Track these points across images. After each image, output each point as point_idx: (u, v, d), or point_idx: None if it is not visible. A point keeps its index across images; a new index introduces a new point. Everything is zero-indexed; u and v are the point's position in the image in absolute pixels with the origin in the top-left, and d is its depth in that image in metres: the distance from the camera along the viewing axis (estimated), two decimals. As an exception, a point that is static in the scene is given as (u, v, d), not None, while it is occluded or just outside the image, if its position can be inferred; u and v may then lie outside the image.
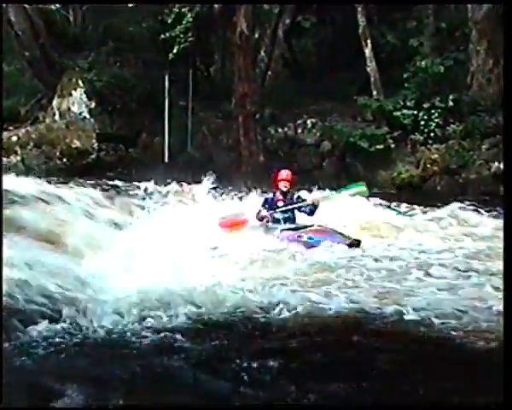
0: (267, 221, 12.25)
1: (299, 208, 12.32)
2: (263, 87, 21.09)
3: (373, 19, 20.81)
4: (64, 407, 5.31)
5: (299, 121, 20.09)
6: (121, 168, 20.36)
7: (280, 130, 20.25)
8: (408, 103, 18.49)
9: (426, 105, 18.23)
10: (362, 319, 7.64)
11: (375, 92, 19.43)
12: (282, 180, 12.45)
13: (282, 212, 12.26)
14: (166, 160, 20.79)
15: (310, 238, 11.49)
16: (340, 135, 18.94)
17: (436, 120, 18.09)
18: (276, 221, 12.28)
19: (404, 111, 18.42)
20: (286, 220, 12.30)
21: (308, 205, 12.20)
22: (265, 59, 21.55)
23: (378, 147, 18.27)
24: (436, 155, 17.97)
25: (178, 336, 6.78)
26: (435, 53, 18.94)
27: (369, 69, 19.60)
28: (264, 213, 12.21)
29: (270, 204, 12.41)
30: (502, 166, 16.79)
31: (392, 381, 6.07)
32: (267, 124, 20.20)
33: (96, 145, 20.66)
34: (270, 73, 22.00)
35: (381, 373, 6.17)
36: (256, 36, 21.19)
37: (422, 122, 18.22)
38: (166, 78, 21.00)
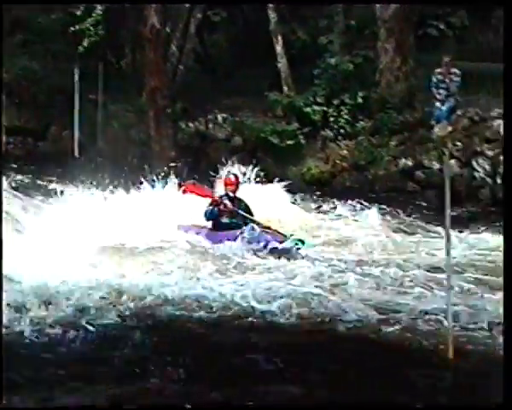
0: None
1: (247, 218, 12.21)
2: (174, 81, 20.81)
3: (284, 15, 20.79)
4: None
5: (210, 116, 19.91)
6: (29, 162, 19.85)
7: (191, 124, 20.03)
8: (318, 100, 18.49)
9: (335, 101, 18.28)
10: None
11: (285, 88, 19.41)
12: (229, 184, 12.52)
13: (230, 217, 12.24)
14: (76, 154, 20.39)
15: (250, 233, 11.61)
16: (251, 130, 18.86)
17: (345, 117, 18.15)
18: (222, 226, 12.23)
19: (314, 107, 18.42)
20: (233, 226, 12.13)
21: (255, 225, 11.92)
22: (177, 53, 21.28)
23: (288, 143, 18.22)
24: (345, 151, 18.02)
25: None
26: (345, 50, 19.02)
27: (279, 65, 19.57)
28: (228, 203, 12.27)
29: (217, 207, 12.28)
30: (410, 162, 16.99)
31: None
32: (178, 118, 19.95)
33: (3, 138, 20.13)
34: (181, 67, 21.72)
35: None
36: (167, 30, 20.89)
37: (332, 118, 18.26)
38: (76, 70, 20.58)
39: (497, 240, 12.22)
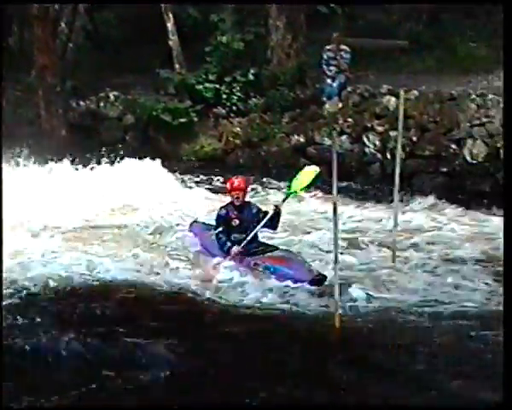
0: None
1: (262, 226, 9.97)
2: (64, 59, 20.16)
3: (175, -8, 20.33)
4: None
5: (101, 94, 19.28)
6: None
7: (82, 103, 19.38)
8: (210, 77, 18.19)
9: (227, 79, 18.00)
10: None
11: (177, 66, 19.04)
12: (233, 190, 10.04)
13: (241, 232, 9.91)
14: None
15: (266, 268, 9.49)
16: (143, 108, 18.40)
17: (237, 94, 17.91)
18: (233, 244, 9.96)
19: (207, 85, 18.11)
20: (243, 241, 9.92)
21: (271, 217, 9.85)
22: (66, 31, 20.63)
23: (181, 120, 17.87)
24: (238, 129, 17.78)
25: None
26: (236, 28, 18.74)
27: (171, 43, 19.16)
28: (234, 249, 9.79)
29: (225, 223, 10.05)
30: (302, 139, 16.86)
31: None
32: (69, 97, 19.31)
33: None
34: (71, 45, 21.08)
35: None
36: (56, 7, 20.12)
37: (224, 96, 17.98)
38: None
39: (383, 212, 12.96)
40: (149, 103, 18.37)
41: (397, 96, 14.82)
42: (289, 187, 10.30)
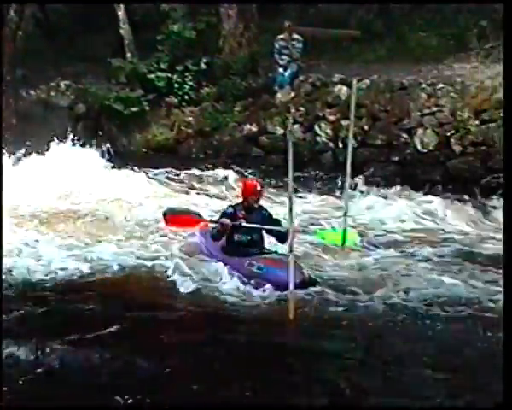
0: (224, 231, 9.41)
1: (269, 230, 9.54)
2: (13, 48, 19.75)
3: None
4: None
5: (52, 83, 18.97)
6: None
7: (32, 92, 19.04)
8: (162, 66, 17.97)
9: (179, 68, 17.82)
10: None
11: (128, 55, 18.80)
12: (253, 194, 9.57)
13: (245, 233, 9.45)
14: None
15: (259, 268, 9.12)
16: (95, 97, 18.12)
17: (189, 83, 17.74)
18: (235, 245, 9.55)
19: (158, 74, 17.90)
20: (249, 244, 9.50)
21: (282, 232, 9.27)
22: (15, 19, 20.16)
23: (133, 110, 17.63)
24: (190, 118, 17.62)
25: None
26: (187, 17, 18.55)
27: (122, 31, 18.92)
28: (226, 221, 9.34)
29: (232, 219, 9.46)
30: (254, 128, 16.78)
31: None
32: (19, 86, 18.95)
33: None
34: (20, 33, 20.66)
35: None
36: (5, -6, 19.73)
37: (176, 85, 17.79)
38: None
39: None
40: (101, 92, 18.10)
41: (348, 85, 14.87)
42: (322, 231, 10.29)
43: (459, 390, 5.57)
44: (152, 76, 17.90)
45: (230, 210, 9.57)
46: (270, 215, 9.69)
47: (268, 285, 8.83)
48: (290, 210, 8.04)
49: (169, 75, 17.87)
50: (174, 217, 9.82)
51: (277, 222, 9.55)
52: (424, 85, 15.44)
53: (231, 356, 7.01)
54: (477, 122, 14.72)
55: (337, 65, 17.08)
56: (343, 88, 16.04)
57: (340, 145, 15.59)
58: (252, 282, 8.97)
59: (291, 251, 8.13)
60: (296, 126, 16.13)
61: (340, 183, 13.87)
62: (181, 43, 18.07)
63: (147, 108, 17.76)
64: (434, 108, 15.10)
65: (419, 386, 5.86)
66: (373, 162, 15.34)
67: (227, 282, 9.08)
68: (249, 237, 9.48)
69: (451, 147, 14.81)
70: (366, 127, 15.59)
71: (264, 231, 9.58)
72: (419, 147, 15.08)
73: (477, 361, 6.42)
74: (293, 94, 16.67)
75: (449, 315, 8.06)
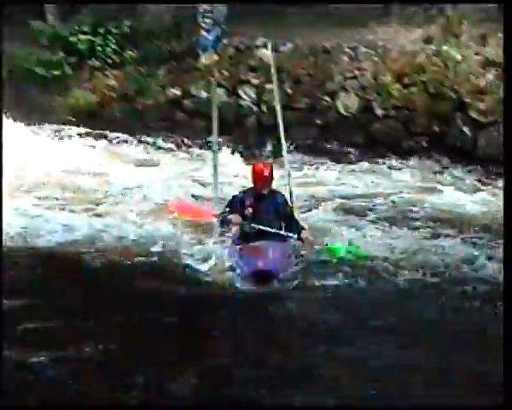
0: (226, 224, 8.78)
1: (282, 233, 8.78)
2: None
3: None
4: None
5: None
6: None
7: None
8: (84, 29, 17.53)
9: (102, 31, 17.41)
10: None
11: (50, 17, 18.26)
12: (257, 180, 8.77)
13: (253, 221, 8.65)
14: None
15: (241, 256, 8.48)
16: (16, 61, 17.60)
17: (112, 46, 17.34)
18: (245, 234, 8.77)
19: (81, 37, 17.41)
20: (259, 234, 8.67)
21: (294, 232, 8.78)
22: None
23: (55, 73, 17.16)
24: (113, 82, 17.23)
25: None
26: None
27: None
28: (235, 218, 8.66)
29: (238, 208, 8.79)
30: (178, 92, 16.54)
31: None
32: None
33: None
34: None
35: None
36: None
37: (99, 48, 17.38)
38: None
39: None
40: (22, 55, 17.58)
41: (273, 49, 14.74)
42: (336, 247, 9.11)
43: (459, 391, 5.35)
44: (74, 39, 17.43)
45: (240, 196, 8.90)
46: (283, 202, 8.94)
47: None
48: (215, 173, 7.93)
49: (91, 38, 17.44)
50: (183, 206, 9.59)
51: (291, 213, 8.98)
52: (347, 49, 15.41)
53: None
54: (399, 86, 14.80)
55: (261, 29, 16.89)
56: (266, 52, 15.90)
57: (265, 109, 15.49)
58: (238, 271, 8.36)
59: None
60: (220, 90, 15.95)
61: (268, 148, 13.89)
62: (103, 6, 17.64)
63: (69, 71, 17.31)
64: (357, 72, 15.12)
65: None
66: (296, 126, 15.30)
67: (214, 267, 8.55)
68: (258, 228, 8.68)
69: (373, 110, 14.87)
70: (289, 91, 15.51)
71: (279, 216, 8.84)
72: (342, 110, 15.09)
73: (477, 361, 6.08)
74: (216, 57, 16.43)
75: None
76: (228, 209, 8.84)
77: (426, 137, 14.51)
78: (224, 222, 8.81)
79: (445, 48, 14.60)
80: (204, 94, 16.05)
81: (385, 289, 7.92)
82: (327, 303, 7.75)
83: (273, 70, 10.18)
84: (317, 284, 8.15)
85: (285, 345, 6.77)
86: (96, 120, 16.80)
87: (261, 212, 8.68)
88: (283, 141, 10.37)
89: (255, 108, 15.85)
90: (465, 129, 14.13)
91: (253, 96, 15.89)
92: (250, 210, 8.64)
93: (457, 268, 8.64)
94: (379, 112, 14.82)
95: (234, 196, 8.97)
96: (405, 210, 11.38)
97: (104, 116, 17.04)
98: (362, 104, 14.98)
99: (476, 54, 14.45)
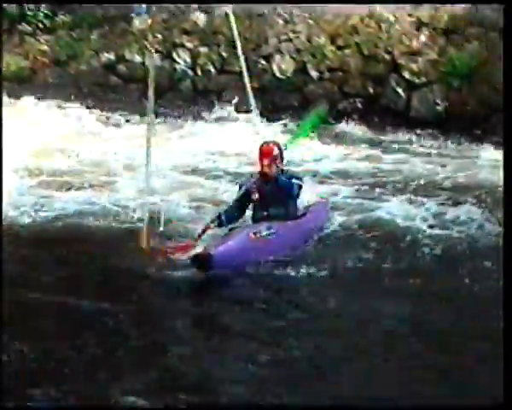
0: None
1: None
2: None
3: None
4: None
5: None
6: None
7: None
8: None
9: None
10: None
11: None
12: (260, 160, 7.97)
13: (260, 209, 7.96)
14: None
15: (268, 228, 7.70)
16: None
17: (44, 11, 16.90)
18: (254, 220, 8.06)
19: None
20: (267, 220, 7.93)
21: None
22: None
23: (-16, 38, 16.70)
24: (45, 47, 16.83)
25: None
26: None
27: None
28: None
29: (245, 195, 7.99)
30: (112, 56, 16.22)
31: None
32: None
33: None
34: None
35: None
36: None
37: (30, 12, 16.92)
38: None
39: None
40: None
41: (205, 12, 14.57)
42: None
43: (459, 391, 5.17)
44: (4, 4, 16.93)
45: (245, 180, 8.15)
46: (291, 183, 7.95)
47: None
48: (148, 141, 7.73)
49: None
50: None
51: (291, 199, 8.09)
52: (281, 12, 15.27)
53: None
54: (333, 48, 14.74)
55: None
56: (200, 15, 15.69)
57: (199, 73, 15.31)
58: None
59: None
60: (154, 54, 15.70)
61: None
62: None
63: (-2, 36, 16.83)
64: (291, 35, 15.00)
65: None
66: (232, 89, 15.17)
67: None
68: (264, 213, 7.95)
69: (308, 72, 14.81)
70: (224, 54, 15.34)
71: (292, 201, 8.12)
72: (277, 73, 14.99)
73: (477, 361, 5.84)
74: (150, 21, 16.13)
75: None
76: (234, 198, 8.02)
77: (360, 99, 14.49)
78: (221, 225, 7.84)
79: (378, 9, 14.56)
80: (138, 58, 15.78)
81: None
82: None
83: (236, 35, 9.98)
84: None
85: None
86: (28, 85, 16.37)
87: (266, 196, 7.89)
88: (253, 102, 10.20)
89: (190, 72, 15.63)
90: (399, 90, 14.15)
91: (188, 59, 15.66)
92: (256, 196, 7.87)
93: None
94: (314, 74, 14.76)
95: (240, 184, 8.21)
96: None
97: (36, 82, 16.63)
98: (297, 67, 14.89)
99: (409, 15, 14.44)
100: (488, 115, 13.56)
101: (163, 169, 10.12)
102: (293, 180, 7.99)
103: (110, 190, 10.08)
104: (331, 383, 5.20)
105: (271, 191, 7.88)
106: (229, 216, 7.84)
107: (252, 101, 10.18)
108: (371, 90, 14.44)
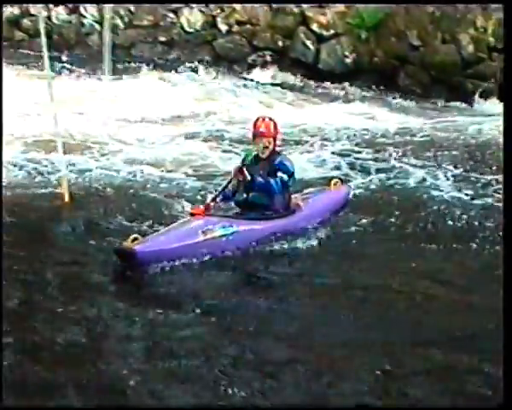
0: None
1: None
2: None
3: None
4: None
5: None
6: None
7: None
8: None
9: None
10: None
11: None
12: (258, 137, 6.84)
13: (242, 191, 6.84)
14: None
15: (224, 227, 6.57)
16: None
17: None
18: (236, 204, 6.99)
19: None
20: (246, 205, 6.88)
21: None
22: None
23: None
24: None
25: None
26: None
27: None
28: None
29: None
30: (16, 10, 15.66)
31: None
32: None
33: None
34: None
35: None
36: None
37: None
38: None
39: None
40: None
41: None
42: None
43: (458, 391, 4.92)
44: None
45: (244, 159, 7.03)
46: (280, 168, 6.82)
47: None
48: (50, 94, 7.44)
49: None
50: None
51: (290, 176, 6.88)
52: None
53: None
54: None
55: None
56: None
57: (106, 26, 14.93)
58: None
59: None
60: (60, 8, 15.30)
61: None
62: None
63: None
64: (200, -13, 14.76)
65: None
66: (140, 43, 14.91)
67: None
68: (244, 196, 6.84)
69: (218, 26, 14.62)
70: (132, 8, 15.00)
71: (282, 191, 6.88)
72: (186, 27, 14.74)
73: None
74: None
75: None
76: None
77: (270, 52, 14.38)
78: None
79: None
80: (44, 13, 15.27)
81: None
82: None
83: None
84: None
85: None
86: None
87: (253, 179, 6.71)
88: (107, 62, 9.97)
89: (97, 26, 15.21)
90: (308, 42, 14.09)
91: (95, 14, 15.24)
92: (241, 177, 6.73)
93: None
94: (223, 27, 14.57)
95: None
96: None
97: None
98: (206, 20, 14.67)
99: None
100: (395, 67, 13.66)
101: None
102: (287, 164, 6.88)
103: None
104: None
105: (259, 174, 6.76)
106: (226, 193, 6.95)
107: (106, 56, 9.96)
108: (280, 43, 14.34)
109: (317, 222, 7.14)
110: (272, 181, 6.73)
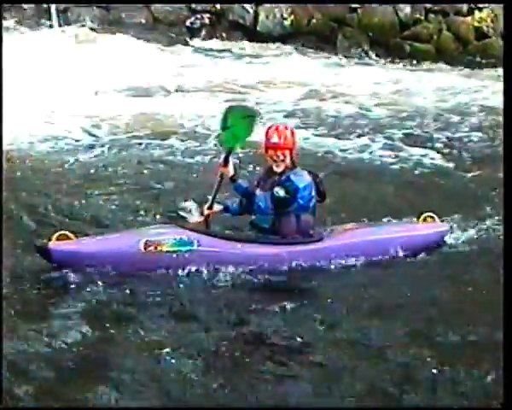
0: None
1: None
2: None
3: None
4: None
5: None
6: None
7: None
8: None
9: None
10: None
11: None
12: (271, 148, 5.55)
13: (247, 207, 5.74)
14: None
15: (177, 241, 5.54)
16: None
17: None
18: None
19: None
20: (253, 227, 5.72)
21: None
22: None
23: None
24: None
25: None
26: None
27: None
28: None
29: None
30: None
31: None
32: None
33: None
34: None
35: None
36: None
37: None
38: None
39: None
40: None
41: None
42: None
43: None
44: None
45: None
46: (289, 186, 5.51)
47: None
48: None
49: None
50: None
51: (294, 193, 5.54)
52: None
53: None
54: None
55: None
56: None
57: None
58: None
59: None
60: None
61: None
62: None
63: None
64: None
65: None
66: (79, 4, 14.55)
67: None
68: (253, 217, 5.74)
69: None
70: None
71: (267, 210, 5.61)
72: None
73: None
74: None
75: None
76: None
77: (208, 15, 14.19)
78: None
79: None
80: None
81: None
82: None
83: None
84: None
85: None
86: None
87: (259, 197, 5.63)
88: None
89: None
90: (246, 5, 13.94)
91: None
92: (259, 191, 5.66)
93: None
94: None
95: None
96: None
97: None
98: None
99: None
100: (333, 29, 13.67)
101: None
102: (294, 178, 5.55)
103: None
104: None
105: (265, 195, 5.62)
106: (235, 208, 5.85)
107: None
108: (218, 6, 14.14)
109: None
110: (262, 197, 5.59)
